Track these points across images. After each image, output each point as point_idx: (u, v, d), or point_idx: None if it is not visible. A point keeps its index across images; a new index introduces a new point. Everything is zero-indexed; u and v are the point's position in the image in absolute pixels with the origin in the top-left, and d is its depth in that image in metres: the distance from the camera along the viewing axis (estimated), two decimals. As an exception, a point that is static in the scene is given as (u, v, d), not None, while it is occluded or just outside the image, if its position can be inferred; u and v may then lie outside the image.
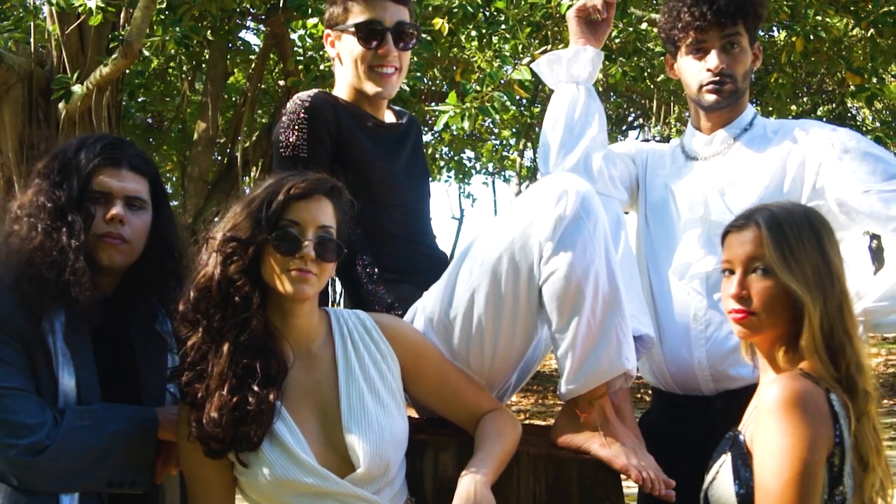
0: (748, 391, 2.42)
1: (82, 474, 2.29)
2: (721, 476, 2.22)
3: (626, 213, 3.14)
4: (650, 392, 3.23)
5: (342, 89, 2.96)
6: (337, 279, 2.80)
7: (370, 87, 2.88)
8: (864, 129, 14.48)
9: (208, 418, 2.18)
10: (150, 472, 2.42)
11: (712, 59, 2.84)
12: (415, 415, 2.67)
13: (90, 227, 2.36)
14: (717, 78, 2.85)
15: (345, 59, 2.92)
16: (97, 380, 2.38)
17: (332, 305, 2.79)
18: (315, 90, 2.84)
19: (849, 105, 13.92)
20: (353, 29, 2.86)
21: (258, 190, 2.31)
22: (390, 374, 2.38)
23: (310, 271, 2.23)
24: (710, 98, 2.88)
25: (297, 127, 2.73)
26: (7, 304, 2.26)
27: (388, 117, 3.05)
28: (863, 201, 2.70)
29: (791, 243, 2.19)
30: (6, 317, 2.25)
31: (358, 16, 2.86)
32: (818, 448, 2.04)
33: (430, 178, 3.21)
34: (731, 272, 2.27)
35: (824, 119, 13.10)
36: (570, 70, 3.00)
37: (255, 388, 2.19)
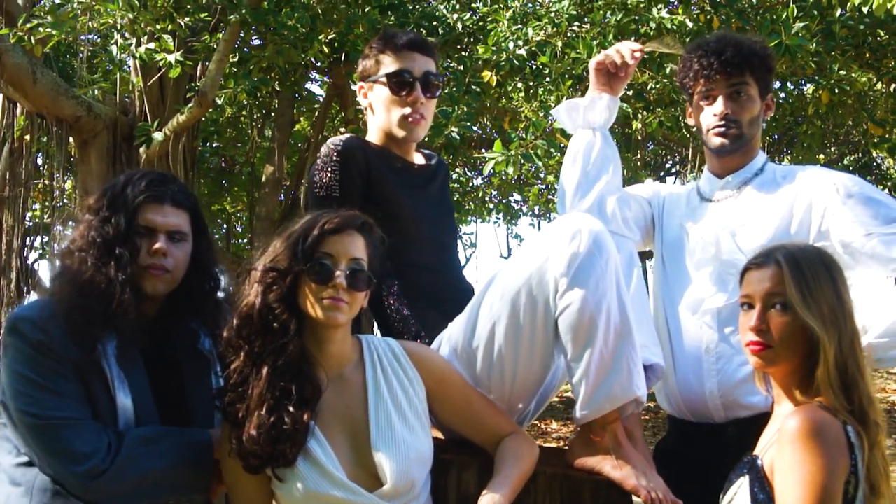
0: (758, 419, 2.40)
1: (142, 494, 2.31)
2: (738, 498, 2.19)
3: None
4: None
5: (374, 135, 2.99)
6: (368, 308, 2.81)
7: (400, 132, 2.92)
8: (888, 177, 14.24)
9: (248, 436, 2.19)
10: (208, 490, 2.43)
11: (718, 105, 2.85)
12: (440, 436, 2.66)
13: (136, 258, 2.38)
14: (723, 122, 2.84)
15: (376, 107, 2.96)
16: (152, 398, 2.40)
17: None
18: (347, 135, 2.87)
19: (874, 155, 13.73)
20: (384, 79, 2.91)
21: (296, 226, 2.34)
22: (416, 397, 2.38)
23: (342, 300, 2.25)
24: (717, 141, 2.87)
25: (330, 168, 2.76)
26: (60, 335, 2.27)
27: (418, 159, 3.07)
28: (865, 243, 2.67)
29: (809, 282, 2.16)
30: (60, 348, 2.26)
31: (389, 66, 2.91)
32: (837, 476, 2.01)
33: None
34: (751, 307, 2.24)
35: (851, 168, 12.92)
36: (587, 116, 3.01)
37: (291, 409, 2.20)
